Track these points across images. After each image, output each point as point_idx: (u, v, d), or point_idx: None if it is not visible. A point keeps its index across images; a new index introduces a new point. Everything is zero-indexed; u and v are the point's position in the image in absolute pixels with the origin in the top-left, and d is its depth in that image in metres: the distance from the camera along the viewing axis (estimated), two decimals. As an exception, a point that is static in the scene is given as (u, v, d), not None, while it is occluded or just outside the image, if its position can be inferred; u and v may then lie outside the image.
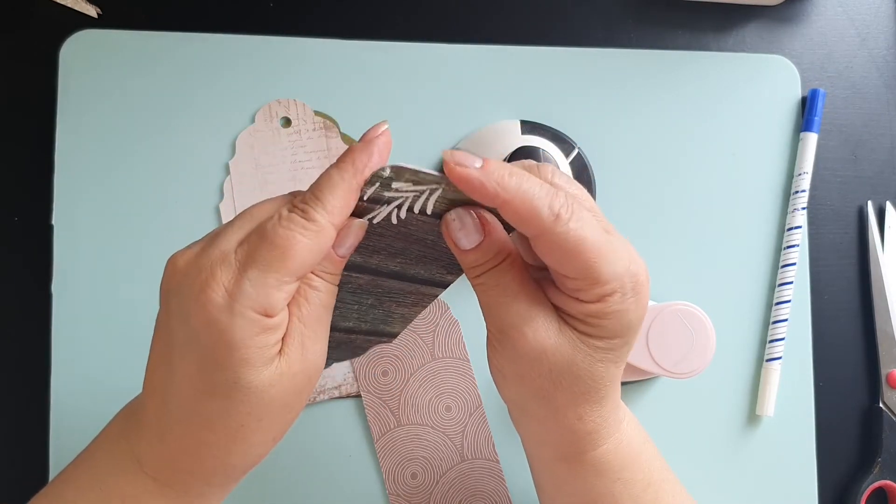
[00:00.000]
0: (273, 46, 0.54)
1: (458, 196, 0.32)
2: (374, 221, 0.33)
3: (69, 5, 0.53)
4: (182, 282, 0.31)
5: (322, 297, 0.33)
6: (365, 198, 0.32)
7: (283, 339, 0.31)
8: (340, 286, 0.34)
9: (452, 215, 0.33)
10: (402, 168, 0.31)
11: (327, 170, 0.31)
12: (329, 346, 0.37)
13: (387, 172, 0.31)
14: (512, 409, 0.37)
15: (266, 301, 0.30)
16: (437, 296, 0.37)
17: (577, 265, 0.31)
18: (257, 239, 0.30)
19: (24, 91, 0.53)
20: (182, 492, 0.34)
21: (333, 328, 0.36)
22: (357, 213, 0.33)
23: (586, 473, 0.35)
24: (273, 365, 0.31)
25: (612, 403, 0.35)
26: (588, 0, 0.56)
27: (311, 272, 0.32)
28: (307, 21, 0.55)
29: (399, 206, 0.33)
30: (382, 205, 0.33)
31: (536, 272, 0.34)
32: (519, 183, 0.30)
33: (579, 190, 0.33)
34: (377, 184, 0.32)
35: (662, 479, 0.37)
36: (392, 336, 0.39)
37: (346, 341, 0.38)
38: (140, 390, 0.35)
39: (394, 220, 0.33)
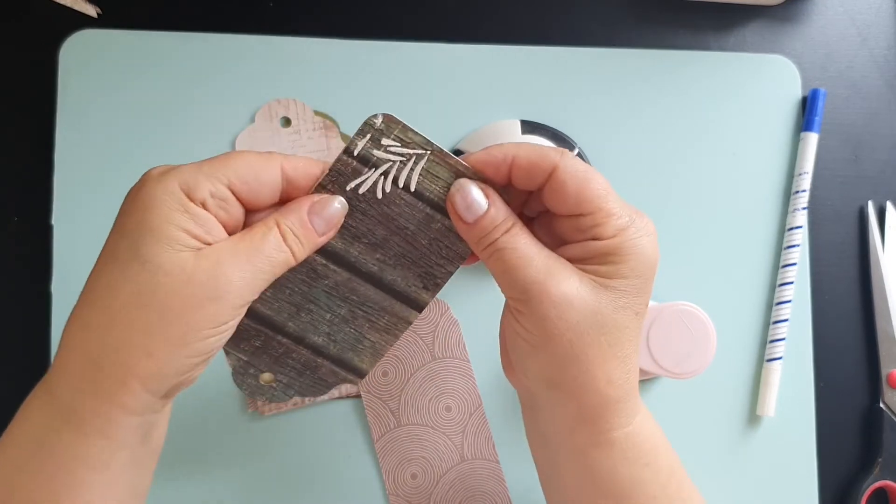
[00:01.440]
0: (273, 46, 0.54)
1: (442, 171, 0.34)
2: (360, 192, 0.34)
3: (69, 5, 0.53)
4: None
5: (272, 257, 0.33)
6: (355, 152, 0.34)
7: (204, 245, 0.32)
8: (316, 280, 0.35)
9: (455, 187, 0.34)
10: (392, 118, 0.33)
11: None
12: (293, 371, 0.37)
13: (379, 120, 0.33)
14: (536, 391, 0.36)
15: (193, 181, 0.32)
16: (410, 323, 0.37)
17: (591, 195, 0.33)
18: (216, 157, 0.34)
19: (24, 91, 0.53)
20: (92, 420, 0.33)
21: (302, 340, 0.37)
22: (346, 175, 0.34)
23: (615, 460, 0.35)
24: (177, 253, 0.31)
25: (634, 368, 0.35)
26: (588, 0, 0.56)
27: (283, 236, 0.33)
28: (307, 21, 0.55)
29: (385, 174, 0.34)
30: (370, 168, 0.34)
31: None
32: (519, 145, 0.34)
33: None
34: (368, 135, 0.33)
35: (680, 467, 0.37)
36: (360, 374, 0.38)
37: (311, 366, 0.37)
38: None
39: (379, 194, 0.34)
